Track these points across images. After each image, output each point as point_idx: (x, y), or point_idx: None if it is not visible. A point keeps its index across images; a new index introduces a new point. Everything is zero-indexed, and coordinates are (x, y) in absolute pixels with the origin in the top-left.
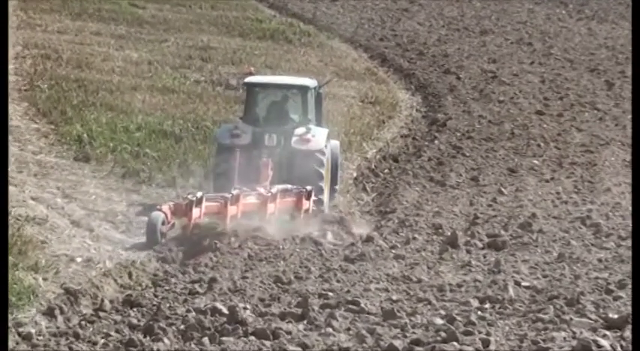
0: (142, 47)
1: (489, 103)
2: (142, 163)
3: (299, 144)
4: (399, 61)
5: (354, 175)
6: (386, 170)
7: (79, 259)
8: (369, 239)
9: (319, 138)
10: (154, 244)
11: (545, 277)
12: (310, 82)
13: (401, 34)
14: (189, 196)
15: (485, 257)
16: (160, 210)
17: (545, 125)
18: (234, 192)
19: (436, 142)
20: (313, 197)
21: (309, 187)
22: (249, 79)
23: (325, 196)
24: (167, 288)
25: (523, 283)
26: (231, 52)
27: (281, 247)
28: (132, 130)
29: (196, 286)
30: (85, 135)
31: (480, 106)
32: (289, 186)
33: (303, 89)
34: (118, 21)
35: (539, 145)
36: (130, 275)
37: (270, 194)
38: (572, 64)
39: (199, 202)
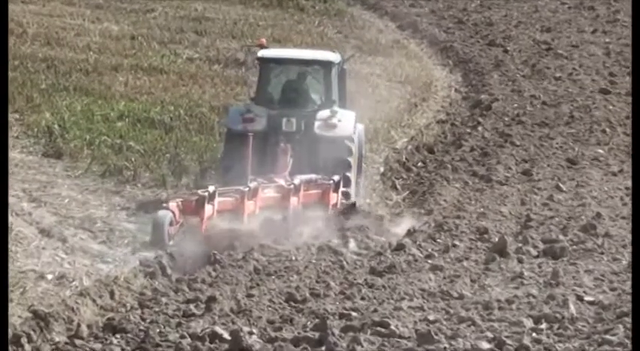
0: (123, 19)
1: (543, 81)
2: (124, 159)
3: (323, 130)
4: (433, 32)
5: (381, 169)
6: (419, 163)
7: (50, 276)
8: (399, 247)
9: (346, 123)
10: (161, 248)
11: (612, 290)
12: (334, 56)
13: None
14: (200, 191)
15: (540, 267)
16: (167, 208)
17: (611, 107)
18: (252, 185)
19: (480, 128)
20: (342, 189)
21: (336, 178)
22: (263, 52)
23: (353, 189)
24: (157, 309)
25: (586, 298)
26: (230, 24)
27: (294, 258)
28: (112, 119)
29: (192, 306)
30: (55, 126)
31: (532, 85)
32: (314, 176)
33: (327, 65)
34: None
35: (604, 131)
36: (111, 295)
37: (292, 186)
38: None
39: (212, 197)
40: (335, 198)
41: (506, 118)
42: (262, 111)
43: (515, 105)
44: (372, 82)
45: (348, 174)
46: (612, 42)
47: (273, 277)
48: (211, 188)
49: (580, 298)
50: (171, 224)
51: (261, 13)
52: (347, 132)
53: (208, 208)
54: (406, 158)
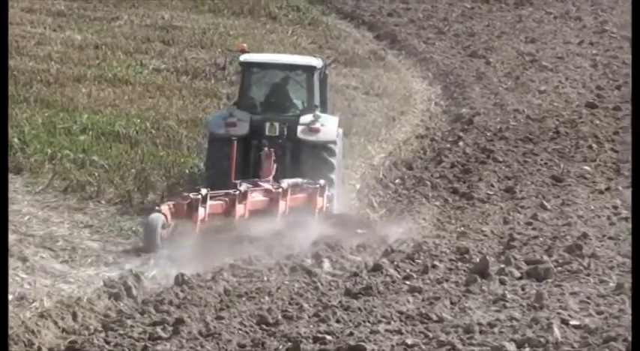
0: (86, 27)
1: (527, 94)
2: (88, 174)
3: (307, 134)
4: (412, 42)
5: (357, 186)
6: (397, 180)
7: (9, 297)
8: (376, 268)
9: (330, 127)
10: (154, 251)
11: (599, 313)
12: (316, 61)
13: (415, 8)
14: (192, 195)
15: (523, 289)
16: (160, 211)
17: (598, 121)
18: (242, 188)
19: (461, 143)
20: (327, 193)
21: (322, 182)
22: (245, 57)
23: (335, 195)
24: (122, 332)
25: (572, 322)
26: (199, 33)
27: (265, 278)
28: (75, 133)
29: (158, 329)
30: (15, 139)
31: (515, 98)
32: (300, 180)
33: (309, 70)
34: None
35: (590, 147)
36: (74, 316)
37: (280, 190)
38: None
39: (204, 200)
40: (321, 202)
41: (489, 133)
42: (245, 115)
43: (498, 119)
44: (348, 95)
45: (332, 178)
46: (599, 54)
47: (243, 298)
48: (204, 191)
49: (565, 322)
50: (163, 227)
51: (231, 21)
52: (330, 136)
53: (201, 211)
54: (383, 175)
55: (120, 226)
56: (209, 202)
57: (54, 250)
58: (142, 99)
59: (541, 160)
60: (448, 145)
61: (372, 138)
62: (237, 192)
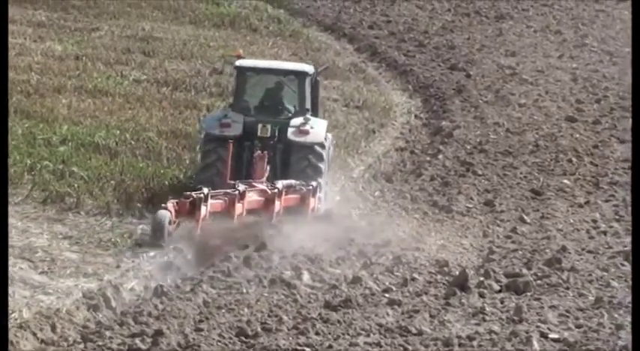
0: (66, 38)
1: (507, 108)
2: (67, 185)
3: (297, 136)
4: (393, 55)
5: (337, 198)
6: (377, 193)
7: None
8: (355, 280)
9: (319, 130)
10: (161, 245)
11: (578, 327)
12: (308, 67)
13: (395, 21)
14: (195, 194)
15: (502, 302)
16: (166, 208)
17: (577, 135)
18: (240, 188)
19: (440, 156)
20: (319, 194)
21: (314, 183)
22: (240, 62)
23: (323, 196)
24: (100, 343)
25: (551, 335)
26: (180, 44)
27: (245, 290)
28: (55, 144)
29: (137, 341)
30: None
31: (495, 112)
32: (293, 181)
33: (301, 75)
34: (36, 4)
35: (570, 161)
36: (53, 328)
37: (276, 190)
38: (612, 58)
39: (206, 199)
40: (313, 202)
41: (468, 146)
42: (239, 117)
43: (478, 132)
44: (328, 107)
45: (320, 180)
46: (579, 68)
47: (223, 310)
48: (205, 190)
49: (544, 336)
50: (170, 223)
51: (212, 33)
52: (319, 138)
53: (202, 210)
54: (363, 187)
55: (99, 237)
56: (210, 201)
57: (33, 261)
58: (122, 110)
59: (521, 173)
60: (428, 158)
61: (352, 150)
62: (236, 192)
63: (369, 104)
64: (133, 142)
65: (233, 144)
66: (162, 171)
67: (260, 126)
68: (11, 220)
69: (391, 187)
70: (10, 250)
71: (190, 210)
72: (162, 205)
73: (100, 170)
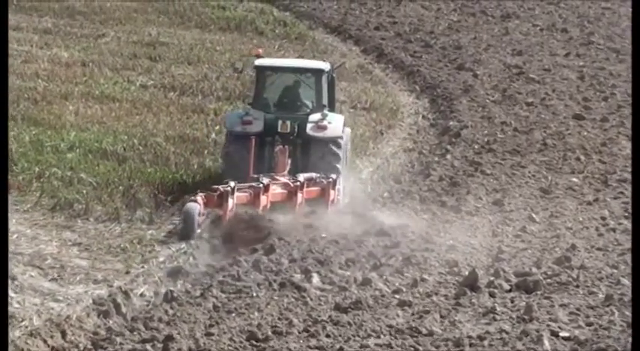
0: (73, 44)
1: (515, 107)
2: (76, 192)
3: (315, 131)
4: (399, 56)
5: (346, 200)
6: (385, 194)
7: None
8: (365, 282)
9: (336, 125)
10: (191, 235)
11: (589, 325)
12: (324, 65)
13: (401, 22)
14: (222, 187)
15: (513, 302)
16: (195, 200)
17: (585, 133)
18: (264, 181)
19: (448, 157)
20: (338, 186)
21: (333, 176)
22: (260, 61)
23: (342, 188)
24: (111, 350)
25: (562, 334)
26: (186, 49)
27: (254, 294)
28: (62, 150)
29: (148, 346)
30: None
31: (502, 111)
32: (314, 175)
33: (318, 73)
34: (42, 11)
35: (578, 159)
36: (63, 335)
37: (298, 183)
38: (619, 55)
39: (233, 192)
40: (333, 194)
41: (476, 146)
42: (259, 114)
43: (486, 132)
44: (335, 109)
45: (338, 173)
46: (586, 65)
47: (233, 314)
48: (232, 183)
49: (555, 334)
50: (199, 215)
51: (218, 37)
52: (336, 133)
53: (230, 202)
54: (371, 188)
55: (108, 243)
56: (236, 194)
57: (43, 269)
58: (129, 116)
59: (529, 172)
60: (436, 159)
61: (360, 152)
62: (261, 185)
63: (377, 105)
64: (140, 148)
65: (255, 140)
66: (170, 176)
67: (280, 122)
68: (20, 228)
69: (399, 188)
70: (20, 258)
71: (218, 202)
72: (192, 197)
73: (108, 176)
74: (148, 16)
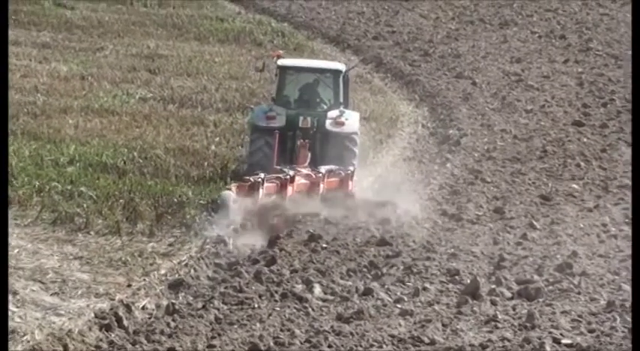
0: (72, 58)
1: (514, 114)
2: (76, 206)
3: (334, 126)
4: (398, 65)
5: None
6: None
7: None
8: (367, 292)
9: (353, 121)
10: (226, 220)
11: (591, 331)
12: (341, 65)
13: (400, 31)
14: (253, 178)
15: (514, 309)
16: (229, 189)
17: (585, 139)
18: (290, 173)
19: (448, 165)
20: (355, 178)
21: (351, 168)
22: (282, 61)
23: (356, 180)
24: None
25: (564, 341)
26: (185, 61)
27: (256, 305)
28: (62, 164)
29: None
30: None
31: (502, 119)
32: (333, 167)
33: (336, 73)
34: (40, 25)
35: (578, 165)
36: (65, 349)
37: (320, 175)
38: (617, 61)
39: (263, 183)
40: (350, 185)
41: (476, 154)
42: (282, 110)
43: (485, 140)
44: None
45: (355, 165)
46: (585, 72)
47: (235, 326)
48: (262, 175)
49: (557, 341)
50: (233, 202)
51: (217, 49)
52: (353, 129)
53: (260, 191)
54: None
55: (110, 256)
56: (265, 184)
57: (44, 283)
58: (129, 129)
59: (529, 179)
60: (436, 167)
61: (361, 161)
62: (287, 176)
63: (376, 115)
64: (140, 161)
65: (279, 135)
66: (170, 188)
67: (301, 118)
68: (21, 242)
69: (400, 197)
70: (21, 272)
71: (249, 192)
72: (227, 187)
73: (108, 189)
74: (146, 28)
